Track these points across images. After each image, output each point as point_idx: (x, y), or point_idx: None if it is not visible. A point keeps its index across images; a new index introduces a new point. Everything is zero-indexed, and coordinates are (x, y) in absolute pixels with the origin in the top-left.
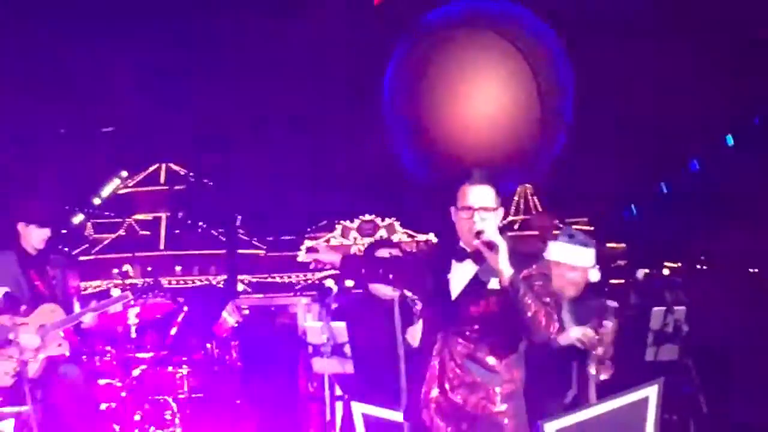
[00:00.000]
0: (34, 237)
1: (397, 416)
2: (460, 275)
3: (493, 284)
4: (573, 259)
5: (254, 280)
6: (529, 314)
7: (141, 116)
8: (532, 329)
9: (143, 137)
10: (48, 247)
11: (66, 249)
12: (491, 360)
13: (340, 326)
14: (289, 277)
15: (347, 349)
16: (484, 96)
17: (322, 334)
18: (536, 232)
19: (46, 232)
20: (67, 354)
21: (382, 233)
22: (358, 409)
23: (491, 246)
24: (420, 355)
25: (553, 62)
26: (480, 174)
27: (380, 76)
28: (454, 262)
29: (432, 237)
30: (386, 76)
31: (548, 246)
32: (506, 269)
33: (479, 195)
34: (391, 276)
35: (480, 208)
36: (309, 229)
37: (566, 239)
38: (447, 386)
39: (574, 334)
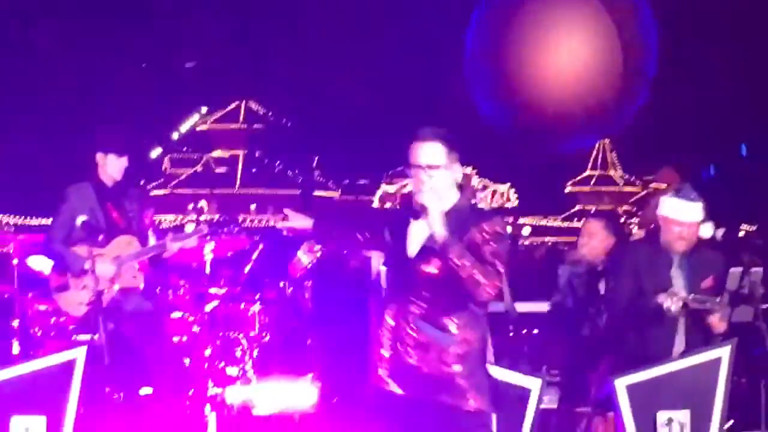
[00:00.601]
0: (112, 166)
1: None
2: (416, 234)
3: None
4: (680, 215)
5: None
6: (464, 275)
7: (223, 53)
8: (469, 290)
9: (225, 74)
10: (125, 179)
11: (142, 182)
12: (444, 320)
13: None
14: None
15: None
16: (566, 49)
17: None
18: (663, 186)
19: (123, 162)
20: (141, 286)
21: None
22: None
23: (422, 206)
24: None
25: (636, 16)
26: (428, 131)
27: (462, 26)
28: (412, 221)
29: (507, 187)
30: (469, 28)
31: (660, 201)
32: (438, 229)
33: (426, 152)
34: (363, 238)
35: (427, 165)
36: (385, 174)
37: (673, 194)
38: (400, 347)
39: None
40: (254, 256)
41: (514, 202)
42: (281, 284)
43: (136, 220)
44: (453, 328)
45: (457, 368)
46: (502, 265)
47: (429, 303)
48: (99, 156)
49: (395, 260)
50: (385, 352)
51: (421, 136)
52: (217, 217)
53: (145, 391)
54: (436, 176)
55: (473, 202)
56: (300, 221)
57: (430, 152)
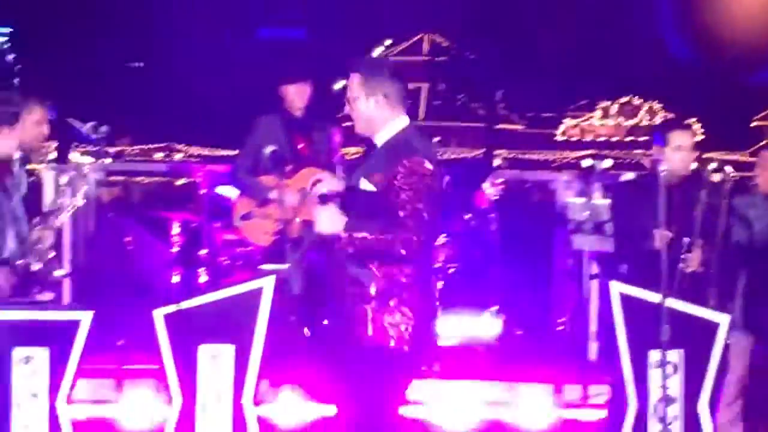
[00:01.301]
0: (291, 95)
1: (654, 297)
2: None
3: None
4: None
5: (510, 155)
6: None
7: None
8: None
9: (409, 5)
10: (313, 110)
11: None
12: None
13: (603, 204)
14: (546, 154)
15: (608, 228)
16: None
17: (584, 210)
18: None
19: (299, 89)
20: None
21: (643, 115)
22: (617, 288)
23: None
24: None
25: None
26: (349, 63)
27: None
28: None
29: (693, 121)
30: None
31: None
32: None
33: (348, 85)
34: None
35: (348, 97)
36: (569, 108)
37: None
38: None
39: None
40: None
41: (698, 136)
42: (466, 216)
43: (323, 152)
44: (372, 264)
45: (372, 304)
46: (413, 217)
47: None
48: (283, 88)
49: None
50: None
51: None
52: None
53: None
54: (355, 108)
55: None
56: (334, 184)
57: (349, 84)
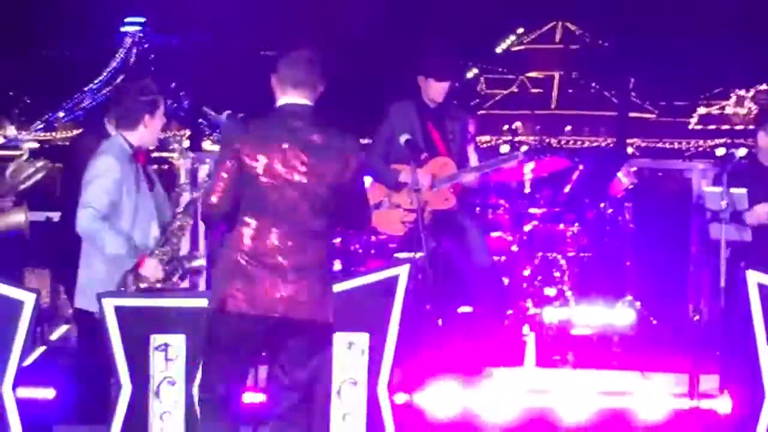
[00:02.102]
0: (433, 90)
1: None
2: None
3: None
4: None
5: (643, 144)
6: None
7: None
8: None
9: None
10: (448, 100)
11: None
12: None
13: (740, 193)
14: (680, 143)
15: (746, 217)
16: None
17: (722, 200)
18: None
19: (443, 86)
20: (453, 208)
21: None
22: (754, 278)
23: None
24: None
25: None
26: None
27: None
28: None
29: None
30: None
31: None
32: None
33: None
34: None
35: None
36: (702, 96)
37: None
38: None
39: None
40: (574, 176)
41: None
42: (601, 205)
43: (455, 142)
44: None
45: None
46: None
47: None
48: (420, 79)
49: None
50: None
51: None
52: (531, 138)
53: (464, 309)
54: None
55: None
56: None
57: None
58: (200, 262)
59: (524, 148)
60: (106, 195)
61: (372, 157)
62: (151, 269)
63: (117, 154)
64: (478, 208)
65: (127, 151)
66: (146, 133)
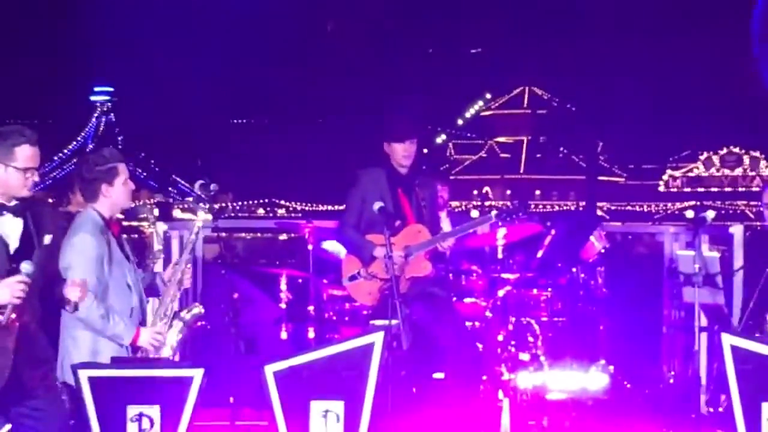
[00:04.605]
0: (397, 153)
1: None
2: None
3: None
4: None
5: (613, 207)
6: None
7: (506, 40)
8: None
9: (508, 60)
10: (417, 166)
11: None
12: None
13: (713, 256)
14: (649, 206)
15: (719, 280)
16: None
17: (695, 263)
18: None
19: (404, 147)
20: (429, 275)
21: (745, 165)
22: (728, 340)
23: None
24: None
25: None
26: None
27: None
28: None
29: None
30: (755, 9)
31: None
32: None
33: None
34: None
35: None
36: (671, 159)
37: None
38: None
39: None
40: (546, 241)
41: None
42: (573, 269)
43: (427, 209)
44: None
45: None
46: None
47: None
48: (386, 145)
49: None
50: None
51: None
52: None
53: (438, 375)
54: None
55: None
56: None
57: None
58: (198, 309)
59: (502, 230)
60: (92, 274)
61: (346, 229)
62: (146, 340)
63: (91, 230)
64: (451, 275)
65: (100, 223)
66: (108, 202)
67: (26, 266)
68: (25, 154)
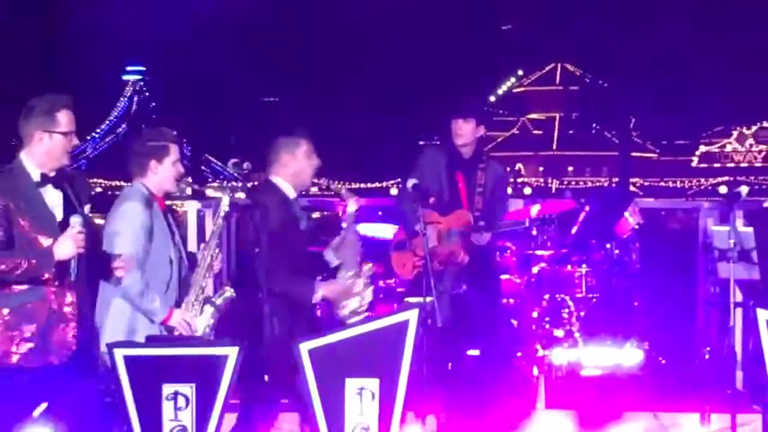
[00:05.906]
0: (453, 130)
1: None
2: None
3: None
4: None
5: (646, 183)
6: None
7: (541, 15)
8: None
9: (541, 36)
10: (479, 149)
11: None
12: None
13: (748, 231)
14: (682, 182)
15: (754, 255)
16: None
17: (729, 238)
18: None
19: (459, 124)
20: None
21: None
22: (763, 316)
23: None
24: None
25: None
26: None
27: None
28: None
29: None
30: None
31: None
32: None
33: None
34: None
35: None
36: (704, 134)
37: None
38: None
39: None
40: (580, 217)
41: None
42: (608, 245)
43: (483, 195)
44: None
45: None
46: None
47: None
48: (456, 124)
49: None
50: None
51: None
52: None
53: (473, 352)
54: None
55: None
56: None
57: None
58: (229, 292)
59: (536, 207)
60: (138, 242)
61: (400, 200)
62: (177, 321)
63: (140, 199)
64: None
65: (147, 196)
66: (155, 179)
67: (76, 218)
68: (67, 117)
